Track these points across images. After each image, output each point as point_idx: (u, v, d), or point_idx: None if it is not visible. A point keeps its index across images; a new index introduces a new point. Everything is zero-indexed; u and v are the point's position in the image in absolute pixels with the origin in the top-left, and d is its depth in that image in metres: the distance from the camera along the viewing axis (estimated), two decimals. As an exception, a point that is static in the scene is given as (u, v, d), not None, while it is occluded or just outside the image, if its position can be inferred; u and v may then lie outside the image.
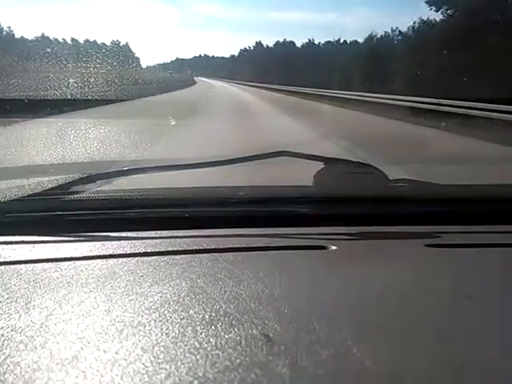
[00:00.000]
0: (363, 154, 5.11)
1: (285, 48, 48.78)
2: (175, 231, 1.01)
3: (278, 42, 52.82)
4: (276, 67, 41.47)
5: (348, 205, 1.11)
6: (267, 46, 55.63)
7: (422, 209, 1.10)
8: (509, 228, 1.05)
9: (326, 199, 1.13)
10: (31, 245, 0.94)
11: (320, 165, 1.15)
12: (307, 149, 1.32)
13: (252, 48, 59.94)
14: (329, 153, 1.27)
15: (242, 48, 64.19)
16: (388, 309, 0.70)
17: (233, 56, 65.70)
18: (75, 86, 9.98)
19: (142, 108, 12.18)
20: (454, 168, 4.25)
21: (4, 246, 0.94)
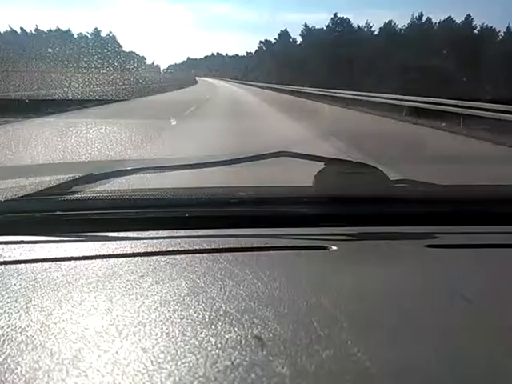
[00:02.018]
0: None
1: (329, 35, 33.35)
2: (175, 231, 1.01)
3: (313, 27, 39.40)
4: (315, 63, 26.94)
5: (348, 205, 1.11)
6: (307, 28, 40.09)
7: (422, 209, 1.11)
8: (508, 229, 1.05)
9: (326, 199, 1.13)
10: (31, 244, 0.94)
11: (320, 165, 1.15)
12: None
13: (275, 41, 47.01)
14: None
15: (263, 40, 51.80)
16: (388, 309, 0.70)
17: (249, 53, 55.24)
18: (76, 85, 9.98)
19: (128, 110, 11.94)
20: (454, 168, 4.26)
21: (4, 245, 0.94)
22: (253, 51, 54.88)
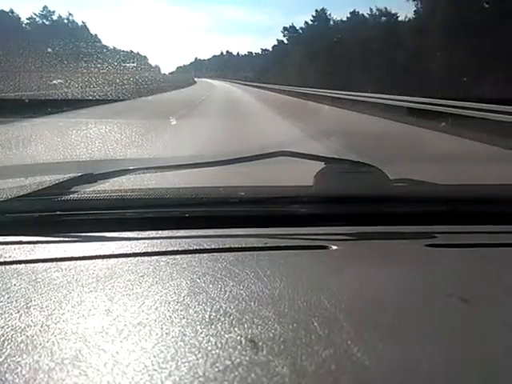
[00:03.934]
0: None
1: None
2: (175, 231, 1.01)
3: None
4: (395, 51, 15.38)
5: (348, 205, 1.11)
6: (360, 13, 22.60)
7: (422, 208, 1.11)
8: (509, 228, 1.05)
9: (326, 199, 1.13)
10: (31, 245, 0.95)
11: (320, 164, 1.15)
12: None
13: (303, 29, 31.35)
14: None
15: (288, 26, 35.03)
16: (388, 308, 0.70)
17: (265, 50, 42.93)
18: (76, 85, 9.98)
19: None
20: (454, 168, 4.25)
21: (4, 245, 0.94)
22: (269, 48, 41.90)
